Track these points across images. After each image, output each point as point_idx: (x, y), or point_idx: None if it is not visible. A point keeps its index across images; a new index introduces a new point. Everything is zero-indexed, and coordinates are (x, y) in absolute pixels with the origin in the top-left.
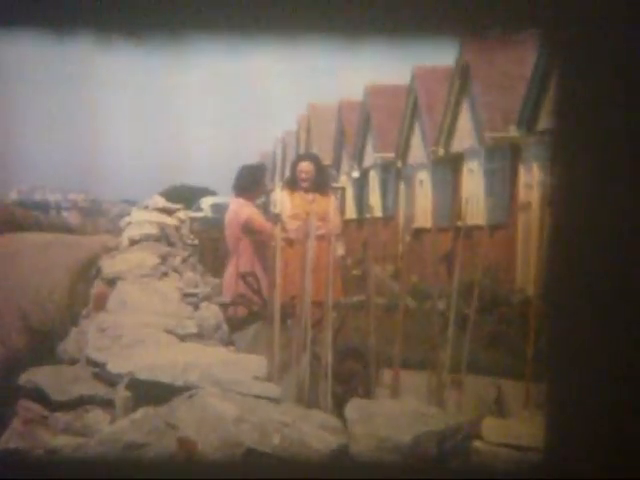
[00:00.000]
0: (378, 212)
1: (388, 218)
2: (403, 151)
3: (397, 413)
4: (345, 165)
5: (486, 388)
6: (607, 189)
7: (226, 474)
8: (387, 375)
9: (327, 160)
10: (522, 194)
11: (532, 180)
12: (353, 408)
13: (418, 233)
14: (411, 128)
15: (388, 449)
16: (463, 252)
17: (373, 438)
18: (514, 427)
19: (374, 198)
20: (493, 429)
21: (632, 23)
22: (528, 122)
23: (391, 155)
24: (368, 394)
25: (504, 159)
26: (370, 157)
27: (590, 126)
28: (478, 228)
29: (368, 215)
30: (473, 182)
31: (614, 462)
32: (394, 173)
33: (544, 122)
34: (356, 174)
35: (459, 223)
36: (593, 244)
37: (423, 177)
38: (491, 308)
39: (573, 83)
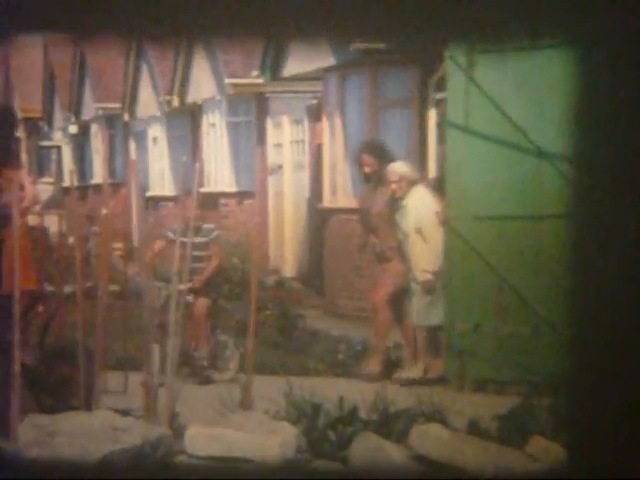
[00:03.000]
0: (102, 177)
1: (117, 184)
2: (130, 101)
3: (86, 430)
4: (59, 118)
5: (230, 387)
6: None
7: None
8: (114, 379)
9: (36, 112)
10: (272, 154)
11: (282, 137)
12: (30, 427)
13: (155, 203)
14: (138, 72)
15: (75, 473)
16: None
17: (54, 461)
18: (222, 435)
19: (99, 159)
20: (198, 440)
21: None
22: (273, 67)
23: (116, 106)
24: (88, 406)
25: (249, 110)
26: (90, 108)
27: (611, 142)
28: (227, 195)
29: (93, 181)
30: (215, 138)
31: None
32: (121, 128)
33: (292, 67)
34: (74, 129)
35: (201, 190)
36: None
37: (157, 133)
38: (241, 293)
39: (592, 99)
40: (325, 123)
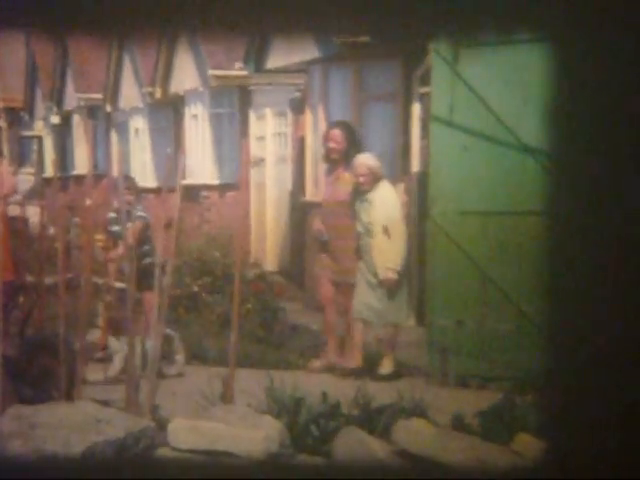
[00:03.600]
0: (84, 168)
1: (98, 175)
2: (112, 92)
3: (68, 421)
4: (41, 108)
5: (211, 380)
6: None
7: None
8: (93, 370)
9: (17, 101)
10: (255, 147)
11: (265, 130)
12: (10, 418)
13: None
14: (120, 63)
15: (57, 466)
16: (190, 218)
17: (35, 453)
18: (206, 429)
19: (80, 150)
20: (182, 433)
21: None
22: (257, 59)
23: (98, 96)
24: (69, 397)
25: (232, 102)
26: (72, 98)
27: (591, 132)
28: (209, 187)
29: (74, 172)
30: (197, 130)
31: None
32: (103, 119)
33: (275, 59)
34: (55, 119)
35: (184, 182)
36: (594, 253)
37: (139, 124)
38: (222, 286)
39: (572, 91)
40: (308, 116)
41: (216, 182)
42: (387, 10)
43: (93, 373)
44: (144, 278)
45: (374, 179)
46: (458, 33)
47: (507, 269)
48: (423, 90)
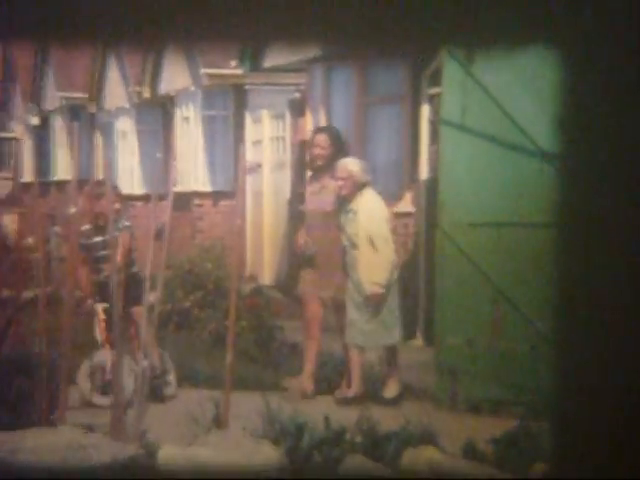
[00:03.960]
0: (66, 173)
1: (82, 181)
2: (97, 91)
3: (51, 447)
4: (19, 107)
5: (203, 403)
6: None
7: None
8: (76, 393)
9: None
10: (251, 152)
11: (262, 134)
12: None
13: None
14: (106, 60)
15: None
16: (181, 227)
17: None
18: (201, 457)
19: (61, 153)
20: (173, 461)
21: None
22: (253, 57)
23: (81, 96)
24: (51, 421)
25: (226, 104)
26: (53, 98)
27: (599, 143)
28: (201, 195)
29: (55, 178)
30: (189, 133)
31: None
32: (87, 120)
33: (273, 57)
34: (35, 120)
35: (175, 189)
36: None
37: (126, 127)
38: (215, 301)
39: (581, 101)
40: (308, 119)
41: (209, 189)
42: (395, 16)
43: (102, 397)
44: (132, 293)
45: (354, 185)
46: (467, 43)
47: (521, 284)
48: (433, 91)
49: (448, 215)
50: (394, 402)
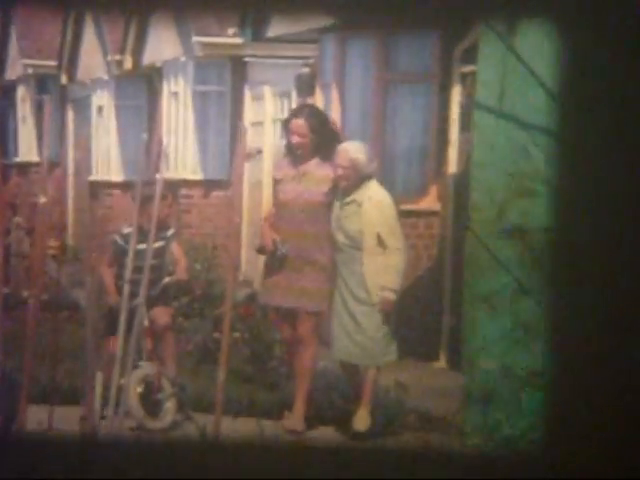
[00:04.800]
0: (31, 154)
1: (51, 164)
2: (70, 59)
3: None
4: None
5: (188, 430)
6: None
7: None
8: (36, 414)
9: None
10: (249, 135)
11: (264, 114)
12: None
13: (96, 189)
14: (80, 23)
15: None
16: (148, 223)
17: None
18: None
19: (26, 131)
20: None
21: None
22: (255, 25)
23: (51, 64)
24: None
25: (222, 78)
26: (16, 65)
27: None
28: (189, 184)
29: (17, 159)
30: (177, 111)
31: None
32: (57, 93)
33: (279, 25)
34: None
35: (158, 176)
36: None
37: (103, 101)
38: (203, 308)
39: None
40: (318, 98)
41: (199, 177)
42: None
43: (156, 421)
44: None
45: (356, 176)
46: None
47: (568, 297)
48: (466, 69)
49: (481, 216)
50: (364, 436)
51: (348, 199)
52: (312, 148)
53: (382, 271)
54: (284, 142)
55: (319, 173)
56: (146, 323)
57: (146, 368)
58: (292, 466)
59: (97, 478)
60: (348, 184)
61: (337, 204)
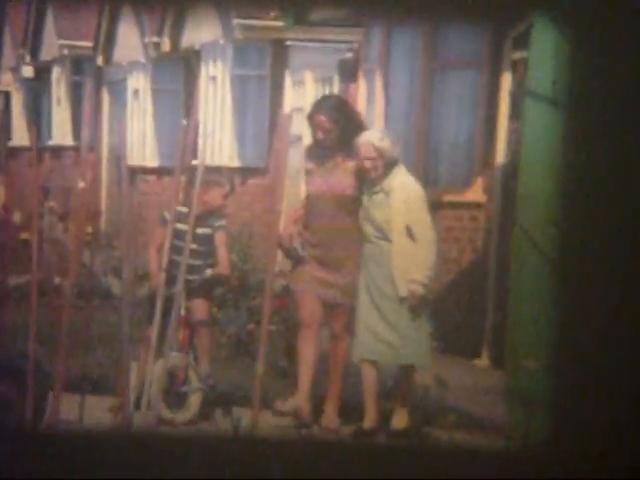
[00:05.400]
0: (66, 137)
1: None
2: (106, 40)
3: None
4: (9, 56)
5: (222, 425)
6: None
7: None
8: (66, 404)
9: None
10: (288, 122)
11: (304, 99)
12: None
13: (130, 175)
14: (118, 4)
15: None
16: (200, 208)
17: None
18: None
19: (60, 113)
20: None
21: None
22: (298, 8)
23: (87, 45)
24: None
25: (262, 62)
26: (52, 46)
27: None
28: (226, 171)
29: (51, 142)
30: (216, 96)
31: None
32: (93, 75)
33: (322, 9)
34: (28, 71)
35: (195, 162)
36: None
37: (139, 85)
38: (238, 299)
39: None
40: (362, 84)
41: (236, 164)
42: None
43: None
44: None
45: (386, 164)
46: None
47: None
48: (517, 56)
49: (530, 210)
50: (402, 435)
51: (376, 188)
52: (338, 141)
53: (410, 264)
54: (314, 139)
55: (351, 164)
56: (183, 312)
57: (174, 359)
58: (326, 462)
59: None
60: (377, 174)
61: (365, 194)
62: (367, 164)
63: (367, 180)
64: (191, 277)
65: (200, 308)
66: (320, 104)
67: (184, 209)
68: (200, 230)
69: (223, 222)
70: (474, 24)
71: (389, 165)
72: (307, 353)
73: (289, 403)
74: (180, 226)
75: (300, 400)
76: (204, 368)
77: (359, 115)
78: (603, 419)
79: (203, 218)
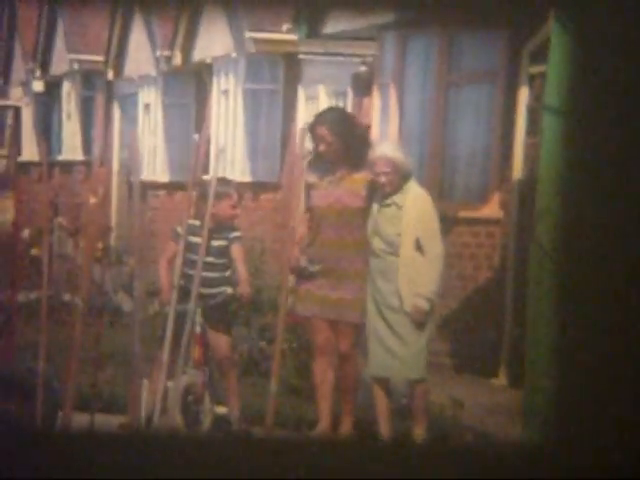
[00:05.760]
0: (76, 152)
1: (91, 163)
2: (117, 54)
3: None
4: (20, 70)
5: (235, 448)
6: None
7: None
8: (75, 422)
9: None
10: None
11: (318, 111)
12: None
13: (143, 190)
14: (129, 17)
15: None
16: (210, 220)
17: None
18: None
19: (70, 128)
20: None
21: None
22: (311, 21)
23: (97, 59)
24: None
25: (275, 76)
26: (62, 60)
27: None
28: (232, 181)
29: (60, 157)
30: (228, 110)
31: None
32: (103, 89)
33: (336, 22)
34: (39, 86)
35: (207, 177)
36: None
37: (150, 99)
38: (249, 316)
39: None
40: (376, 98)
41: (248, 179)
42: None
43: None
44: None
45: (400, 177)
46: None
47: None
48: (535, 70)
49: (547, 224)
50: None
51: (387, 201)
52: (341, 155)
53: (416, 277)
54: (312, 152)
55: (356, 176)
56: (198, 329)
57: (193, 376)
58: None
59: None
60: (392, 189)
61: (375, 207)
62: (382, 179)
63: (377, 193)
64: (207, 291)
65: (223, 344)
66: (321, 116)
67: (196, 222)
68: (215, 242)
69: (238, 234)
70: (490, 34)
71: (403, 178)
72: (324, 380)
73: (315, 432)
74: (194, 239)
75: (323, 428)
76: (236, 413)
77: (363, 128)
78: (612, 436)
79: (216, 230)
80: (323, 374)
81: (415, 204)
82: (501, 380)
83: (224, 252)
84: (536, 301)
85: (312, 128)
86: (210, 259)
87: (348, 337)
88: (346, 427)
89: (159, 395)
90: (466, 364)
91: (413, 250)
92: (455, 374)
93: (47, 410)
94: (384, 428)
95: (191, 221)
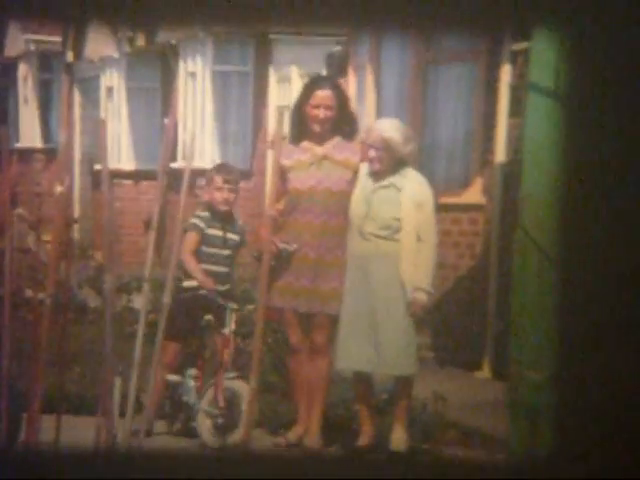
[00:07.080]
0: (35, 139)
1: (51, 151)
2: (76, 35)
3: None
4: None
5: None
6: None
7: None
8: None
9: None
10: (274, 120)
11: (291, 97)
12: None
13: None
14: None
15: None
16: (178, 214)
17: None
18: None
19: (28, 113)
20: None
21: None
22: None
23: (55, 39)
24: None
25: (244, 57)
26: (17, 40)
27: None
28: (204, 174)
29: (18, 144)
30: (196, 94)
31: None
32: (62, 72)
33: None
34: None
35: (176, 165)
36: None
37: (113, 82)
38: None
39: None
40: (352, 80)
41: None
42: None
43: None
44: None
45: (390, 158)
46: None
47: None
48: (517, 47)
49: (533, 211)
50: (401, 457)
51: (384, 182)
52: (335, 125)
53: (415, 268)
54: (289, 126)
55: (340, 157)
56: (227, 331)
57: (230, 382)
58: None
59: None
60: (381, 168)
61: (367, 188)
62: (371, 153)
63: (373, 174)
64: (223, 287)
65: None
66: (322, 80)
67: (205, 214)
68: (229, 235)
69: (243, 225)
70: (470, 35)
71: (397, 162)
72: (301, 378)
73: (293, 433)
74: (211, 231)
75: (303, 428)
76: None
77: (353, 105)
78: (607, 431)
79: (230, 222)
80: (300, 373)
81: (414, 189)
82: (485, 373)
83: (237, 246)
84: (520, 290)
85: (308, 93)
86: (227, 252)
87: (324, 330)
88: (313, 430)
89: (131, 397)
90: (449, 357)
91: (413, 238)
92: (438, 368)
93: (13, 412)
94: (365, 425)
95: (201, 213)
